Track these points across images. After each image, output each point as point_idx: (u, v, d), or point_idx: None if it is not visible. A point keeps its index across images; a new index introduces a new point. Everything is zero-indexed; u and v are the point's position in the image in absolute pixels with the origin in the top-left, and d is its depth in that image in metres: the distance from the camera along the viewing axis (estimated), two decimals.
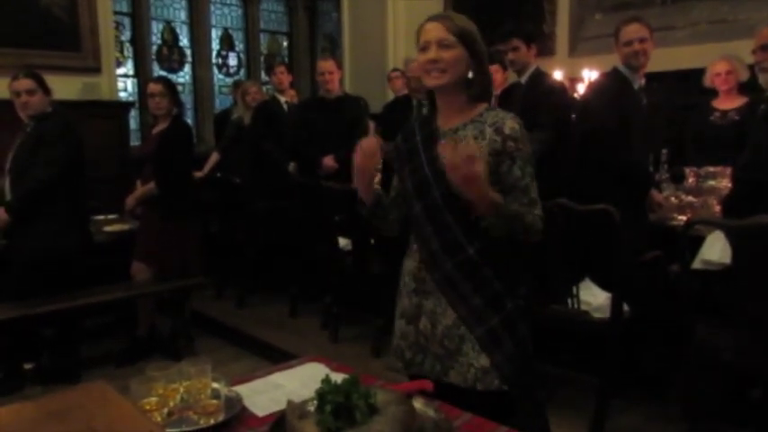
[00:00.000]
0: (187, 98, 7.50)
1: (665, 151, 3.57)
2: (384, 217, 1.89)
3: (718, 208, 3.13)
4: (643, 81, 3.13)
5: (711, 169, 3.33)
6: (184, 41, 7.68)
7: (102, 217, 4.26)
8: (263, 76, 8.07)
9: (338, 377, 1.25)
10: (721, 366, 2.50)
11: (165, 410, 1.37)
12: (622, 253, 2.63)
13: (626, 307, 2.71)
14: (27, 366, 3.46)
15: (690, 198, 3.31)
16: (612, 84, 3.12)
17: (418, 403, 1.36)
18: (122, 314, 4.07)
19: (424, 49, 1.70)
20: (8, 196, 3.33)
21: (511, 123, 1.68)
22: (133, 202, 3.75)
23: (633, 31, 3.03)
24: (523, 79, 3.65)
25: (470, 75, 1.70)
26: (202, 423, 1.36)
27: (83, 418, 1.15)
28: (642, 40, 3.01)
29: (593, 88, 3.54)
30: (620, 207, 2.58)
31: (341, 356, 3.33)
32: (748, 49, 3.09)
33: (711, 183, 3.30)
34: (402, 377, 1.88)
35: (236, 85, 6.38)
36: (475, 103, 1.74)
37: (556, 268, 2.82)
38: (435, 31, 1.68)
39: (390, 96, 5.58)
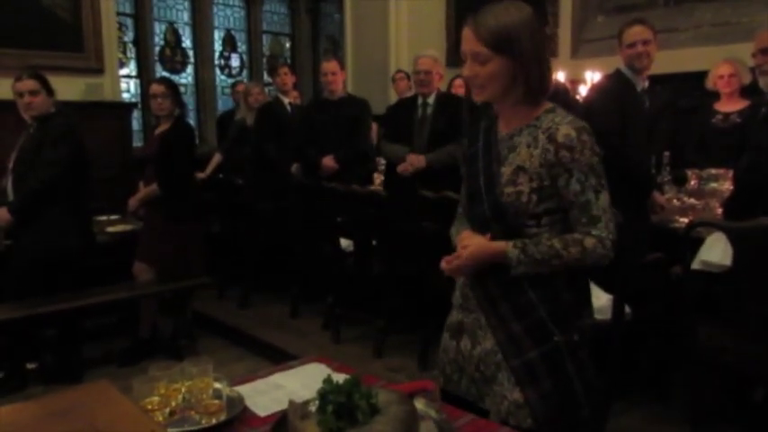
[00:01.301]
0: (189, 99, 7.52)
1: (667, 153, 3.57)
2: None
3: (719, 210, 3.14)
4: (646, 83, 3.13)
5: (713, 171, 3.33)
6: (187, 43, 7.69)
7: (104, 217, 4.27)
8: (266, 78, 8.09)
9: (340, 377, 1.25)
10: (723, 368, 2.50)
11: (167, 410, 1.37)
12: (624, 255, 2.62)
13: (627, 308, 2.71)
14: (29, 366, 3.46)
15: (692, 200, 3.31)
16: (615, 85, 3.12)
17: (420, 404, 1.36)
18: (124, 314, 4.07)
19: (464, 59, 1.51)
20: (11, 197, 3.34)
21: (566, 130, 1.47)
22: (136, 203, 3.76)
23: (636, 33, 3.03)
24: None
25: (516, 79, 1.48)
26: (204, 423, 1.36)
27: (85, 417, 1.15)
28: (645, 43, 3.00)
29: (596, 90, 3.55)
30: (622, 209, 2.57)
31: (342, 357, 3.33)
32: (751, 52, 3.10)
33: (713, 185, 3.31)
34: (399, 376, 1.88)
35: (234, 86, 6.40)
36: (535, 103, 1.53)
37: None
38: (468, 41, 1.48)
39: (393, 97, 5.58)
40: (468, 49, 1.48)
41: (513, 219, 1.50)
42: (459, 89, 5.27)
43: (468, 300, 1.61)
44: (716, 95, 4.06)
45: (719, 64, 3.99)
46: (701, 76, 4.15)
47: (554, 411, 1.51)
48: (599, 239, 1.47)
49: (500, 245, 1.50)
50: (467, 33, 1.48)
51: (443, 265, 1.58)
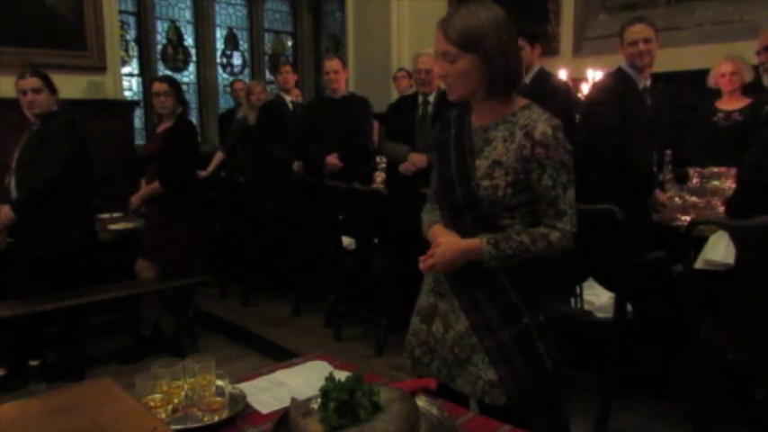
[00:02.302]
0: (192, 97, 7.52)
1: (668, 151, 3.56)
2: None
3: (721, 209, 3.13)
4: (648, 82, 3.12)
5: (715, 170, 3.33)
6: (189, 41, 7.69)
7: (106, 215, 4.28)
8: (268, 76, 8.09)
9: (342, 375, 1.25)
10: (725, 366, 2.50)
11: (170, 407, 1.38)
12: (626, 253, 2.63)
13: (629, 307, 2.71)
14: (32, 363, 3.46)
15: (693, 198, 3.30)
16: (616, 84, 3.12)
17: (422, 401, 1.36)
18: (127, 312, 4.08)
19: (437, 58, 1.60)
20: (14, 194, 3.34)
21: (543, 128, 1.53)
22: (138, 201, 3.77)
23: (638, 31, 3.02)
24: (527, 79, 3.65)
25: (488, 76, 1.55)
26: (206, 420, 1.36)
27: (87, 414, 1.15)
28: (647, 41, 3.00)
29: (598, 88, 3.54)
30: (624, 207, 2.58)
31: (344, 355, 3.33)
32: (753, 50, 3.09)
33: (715, 183, 3.30)
34: (401, 374, 1.88)
35: (233, 84, 6.41)
36: (508, 99, 1.60)
37: (559, 268, 2.82)
38: (438, 41, 1.56)
39: (395, 96, 5.58)
40: (439, 48, 1.56)
41: (488, 210, 1.58)
42: (402, 81, 5.33)
43: (440, 284, 1.69)
44: (717, 94, 4.06)
45: (721, 62, 3.99)
46: (702, 74, 4.14)
47: (527, 388, 1.59)
48: (563, 233, 1.57)
49: (473, 242, 1.58)
50: (437, 34, 1.56)
51: (420, 264, 1.64)
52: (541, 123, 1.54)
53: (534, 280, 1.64)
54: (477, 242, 1.57)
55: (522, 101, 1.61)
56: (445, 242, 1.61)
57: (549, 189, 1.55)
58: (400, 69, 5.76)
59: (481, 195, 1.56)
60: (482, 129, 1.62)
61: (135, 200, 3.77)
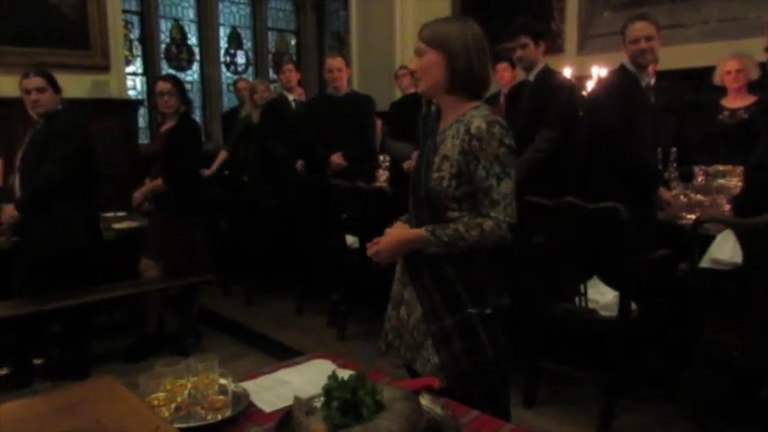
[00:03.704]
0: (195, 96, 7.53)
1: (673, 149, 3.55)
2: None
3: (727, 207, 3.12)
4: (653, 80, 3.11)
5: (720, 168, 3.31)
6: (193, 40, 7.70)
7: (110, 214, 4.28)
8: (271, 74, 8.09)
9: (345, 374, 1.25)
10: (729, 365, 2.49)
11: (173, 406, 1.37)
12: (630, 251, 2.62)
13: (634, 305, 2.70)
14: (36, 362, 3.48)
15: (699, 196, 3.29)
16: (619, 81, 3.11)
17: (425, 400, 1.36)
18: (131, 311, 4.09)
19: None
20: (18, 193, 3.35)
21: (478, 122, 1.69)
22: (140, 196, 3.76)
23: (640, 28, 3.01)
24: (532, 77, 3.64)
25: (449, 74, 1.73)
26: (210, 418, 1.36)
27: (91, 412, 1.15)
28: (649, 38, 2.99)
29: (600, 86, 3.53)
30: (629, 205, 2.57)
31: (348, 354, 3.33)
32: (759, 48, 3.07)
33: (720, 181, 3.29)
34: (403, 373, 1.90)
35: (236, 83, 6.42)
36: (466, 102, 1.77)
37: (564, 266, 2.81)
38: (415, 41, 1.79)
39: (398, 94, 5.57)
40: (414, 47, 1.78)
41: (437, 202, 1.74)
42: (403, 78, 5.24)
43: (404, 274, 1.86)
44: (723, 91, 4.04)
45: (727, 59, 3.97)
46: (707, 71, 4.12)
47: (465, 373, 1.72)
48: (496, 222, 1.70)
49: (417, 231, 1.76)
50: (416, 37, 1.78)
51: (368, 251, 1.85)
52: (478, 119, 1.70)
53: (481, 274, 1.77)
54: (420, 231, 1.74)
55: (476, 103, 1.77)
56: (391, 232, 1.83)
57: (482, 180, 1.69)
58: (402, 67, 5.74)
59: (431, 187, 1.73)
60: (442, 130, 1.80)
61: (137, 195, 3.77)
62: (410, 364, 1.84)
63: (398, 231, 1.84)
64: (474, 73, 1.74)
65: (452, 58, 1.71)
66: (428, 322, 1.76)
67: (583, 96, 4.19)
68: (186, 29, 7.64)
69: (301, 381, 1.58)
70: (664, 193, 3.21)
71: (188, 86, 6.74)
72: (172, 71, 7.28)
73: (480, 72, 1.75)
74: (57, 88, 3.42)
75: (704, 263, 2.49)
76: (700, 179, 3.36)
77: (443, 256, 1.73)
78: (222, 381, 1.45)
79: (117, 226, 4.06)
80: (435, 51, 1.72)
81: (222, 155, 5.64)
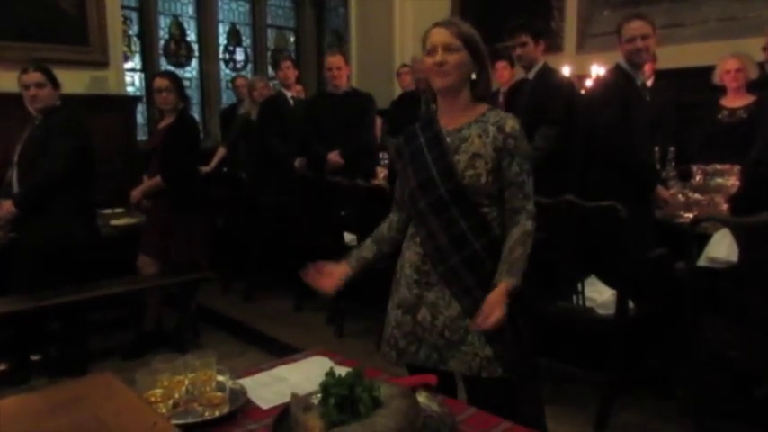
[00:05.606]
0: (194, 93, 7.51)
1: (672, 149, 3.55)
2: (382, 257, 2.03)
3: (725, 206, 3.12)
4: (651, 80, 3.11)
5: (719, 167, 3.32)
6: (192, 36, 7.68)
7: (108, 211, 4.28)
8: (270, 72, 8.08)
9: (342, 370, 1.25)
10: (726, 364, 2.49)
11: (171, 402, 1.38)
12: (628, 250, 2.62)
13: (631, 304, 2.71)
14: (34, 358, 3.48)
15: (697, 196, 3.30)
16: (614, 80, 3.11)
17: (422, 397, 1.36)
18: (129, 307, 4.08)
19: (430, 52, 1.80)
20: (16, 189, 3.34)
21: (512, 123, 1.80)
22: (138, 194, 3.76)
23: (635, 28, 3.00)
24: (531, 75, 3.64)
25: (474, 76, 1.82)
26: (207, 415, 1.37)
27: (89, 408, 1.16)
28: (644, 37, 2.98)
29: (597, 85, 3.54)
30: (627, 204, 2.57)
31: (346, 351, 3.31)
32: (758, 47, 3.08)
33: (718, 180, 3.29)
34: (401, 370, 1.90)
35: (234, 80, 6.41)
36: (477, 104, 1.86)
37: (562, 264, 2.82)
38: (441, 36, 1.79)
39: (397, 92, 5.57)
40: (441, 42, 1.78)
41: (472, 198, 1.78)
42: (405, 76, 5.34)
43: (428, 275, 1.84)
44: (722, 91, 4.04)
45: (726, 59, 3.97)
46: (707, 71, 4.12)
47: (518, 360, 1.81)
48: (533, 216, 1.81)
49: (503, 288, 1.73)
50: (441, 31, 1.80)
51: (478, 325, 1.75)
52: (511, 120, 1.81)
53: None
54: (505, 285, 1.73)
55: (487, 105, 1.87)
56: (488, 301, 1.73)
57: (517, 175, 1.79)
58: (403, 65, 5.75)
59: (466, 184, 1.77)
60: (455, 130, 1.83)
61: (136, 193, 3.76)
62: (436, 366, 1.80)
63: (493, 297, 1.74)
64: (489, 81, 1.89)
65: (480, 61, 1.82)
66: (472, 318, 1.76)
67: (582, 95, 4.19)
68: (185, 25, 7.62)
69: (299, 377, 1.59)
70: (661, 191, 3.21)
71: (187, 83, 6.73)
72: (170, 68, 7.25)
73: (489, 83, 1.90)
74: (56, 84, 3.41)
75: (701, 261, 2.49)
76: (698, 178, 3.37)
77: (485, 256, 1.78)
78: (220, 377, 1.45)
79: (115, 222, 4.06)
80: (466, 52, 1.79)
81: (221, 152, 5.64)
